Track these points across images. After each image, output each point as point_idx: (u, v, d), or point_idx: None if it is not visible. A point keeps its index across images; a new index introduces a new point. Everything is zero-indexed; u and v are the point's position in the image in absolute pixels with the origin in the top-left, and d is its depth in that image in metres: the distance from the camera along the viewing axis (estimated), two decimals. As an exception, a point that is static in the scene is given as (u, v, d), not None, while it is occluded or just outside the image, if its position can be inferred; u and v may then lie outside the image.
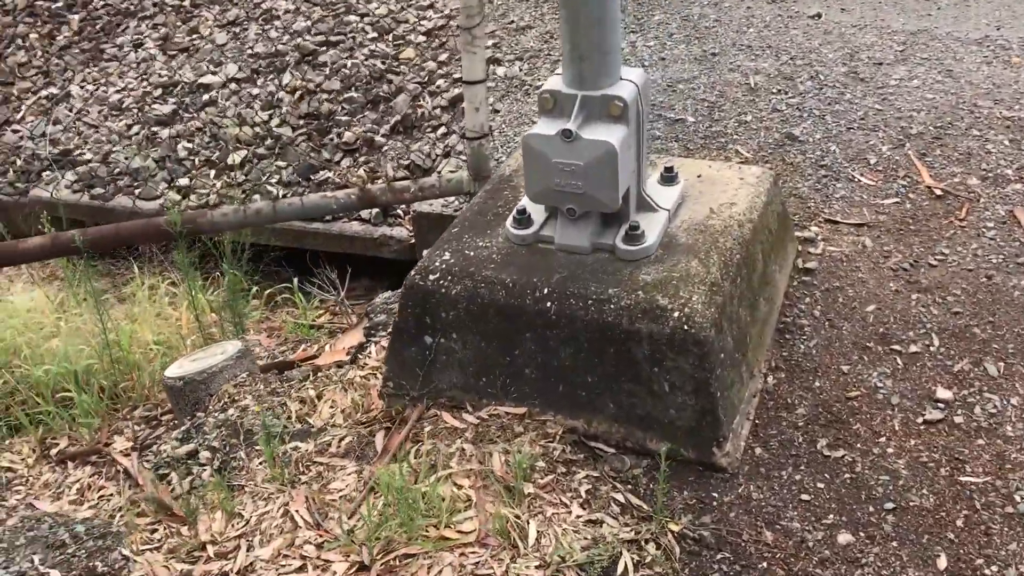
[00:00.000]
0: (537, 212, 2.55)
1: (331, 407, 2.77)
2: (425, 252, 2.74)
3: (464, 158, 3.29)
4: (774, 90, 3.72)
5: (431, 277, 2.48)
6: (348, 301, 4.30)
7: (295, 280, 3.99)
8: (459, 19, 3.05)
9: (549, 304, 2.35)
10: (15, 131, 4.99)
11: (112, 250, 3.87)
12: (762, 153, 3.35)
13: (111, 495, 2.79)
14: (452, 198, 3.45)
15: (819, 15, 4.25)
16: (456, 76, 4.42)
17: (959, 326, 2.57)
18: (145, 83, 4.98)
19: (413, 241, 3.83)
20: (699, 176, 2.74)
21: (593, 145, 2.29)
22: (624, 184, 2.37)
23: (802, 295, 2.75)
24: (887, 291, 2.71)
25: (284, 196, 4.20)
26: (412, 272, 2.52)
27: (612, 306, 2.30)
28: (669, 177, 2.64)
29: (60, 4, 5.96)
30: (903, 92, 3.64)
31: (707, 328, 2.23)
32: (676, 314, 2.24)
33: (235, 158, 4.42)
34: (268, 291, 4.01)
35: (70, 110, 5.02)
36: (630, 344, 2.27)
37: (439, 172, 3.29)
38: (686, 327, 2.22)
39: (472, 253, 2.51)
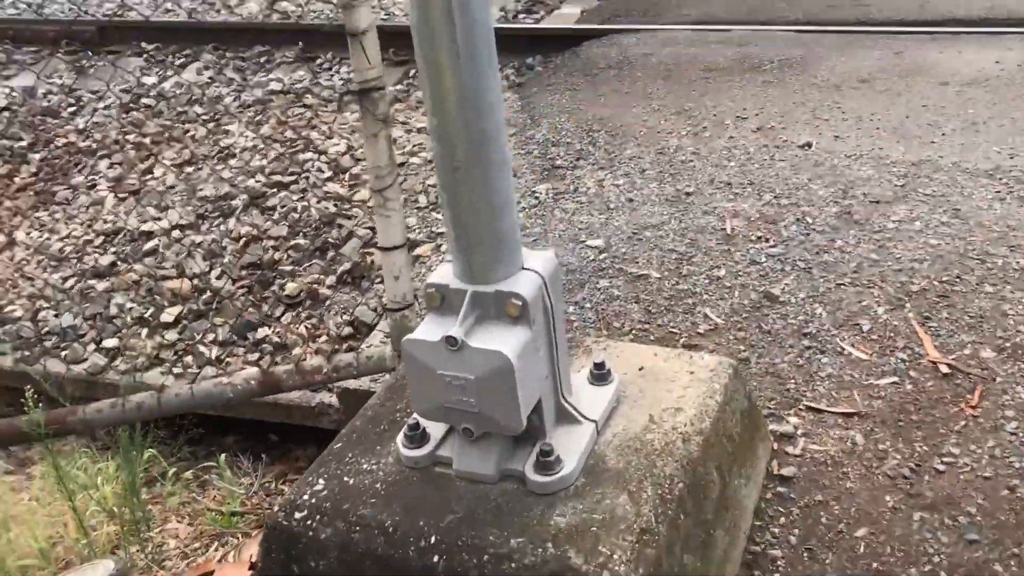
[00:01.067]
0: (435, 426, 2.07)
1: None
2: (296, 482, 2.26)
3: (388, 331, 2.84)
4: (753, 237, 3.25)
5: (296, 516, 1.99)
6: (287, 476, 3.83)
7: (222, 456, 3.53)
8: (369, 181, 2.64)
9: (436, 559, 1.84)
10: (-49, 283, 4.66)
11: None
12: (735, 318, 2.86)
13: None
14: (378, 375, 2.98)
15: (809, 144, 3.80)
16: (412, 215, 4.02)
17: (975, 561, 2.01)
18: (90, 230, 4.64)
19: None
20: (640, 369, 2.25)
21: (484, 356, 1.81)
22: (529, 401, 1.89)
23: (776, 513, 2.22)
24: (882, 508, 2.17)
25: (212, 361, 3.78)
26: (276, 507, 2.04)
27: (513, 564, 1.78)
28: (600, 374, 2.15)
29: (24, 144, 5.73)
30: (903, 237, 3.14)
31: (630, 600, 1.70)
32: (591, 579, 1.72)
33: (169, 315, 4.02)
34: (186, 474, 3.55)
35: (11, 259, 4.69)
36: (534, 616, 1.75)
37: (357, 351, 2.84)
38: (602, 599, 1.70)
39: (352, 480, 2.03)
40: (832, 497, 2.23)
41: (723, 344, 2.77)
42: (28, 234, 4.84)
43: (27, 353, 4.07)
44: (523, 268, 1.93)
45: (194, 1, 7.68)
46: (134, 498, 3.12)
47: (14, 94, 6.25)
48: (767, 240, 3.23)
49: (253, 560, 2.78)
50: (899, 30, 4.87)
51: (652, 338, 2.82)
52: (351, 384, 3.14)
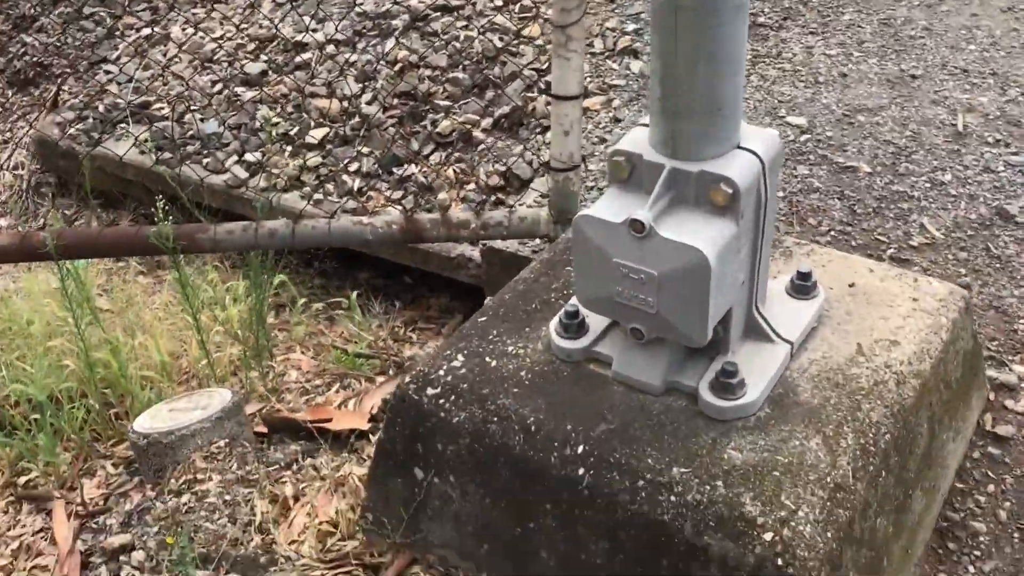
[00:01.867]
0: (597, 317, 1.76)
1: (306, 520, 2.11)
2: (433, 349, 2.01)
3: (545, 191, 2.51)
4: (990, 139, 2.72)
5: (429, 392, 1.74)
6: (416, 324, 3.65)
7: (353, 294, 3.35)
8: (552, 13, 2.24)
9: (581, 472, 1.57)
10: (107, 72, 4.55)
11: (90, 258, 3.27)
12: (958, 234, 2.40)
13: (46, 566, 2.26)
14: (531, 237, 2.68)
15: (1072, 35, 3.15)
16: (585, 62, 3.60)
17: None
18: (244, 35, 4.41)
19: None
20: (851, 286, 1.86)
21: (675, 249, 1.47)
22: (719, 310, 1.55)
23: (984, 478, 1.85)
24: (1122, 497, 1.78)
25: (354, 192, 3.55)
26: (407, 379, 1.79)
27: (673, 498, 1.49)
28: (803, 287, 1.78)
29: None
30: None
31: (815, 570, 1.39)
32: (769, 536, 1.42)
33: (314, 136, 3.79)
34: (317, 304, 3.40)
35: (164, 55, 4.53)
36: (691, 564, 1.47)
37: (510, 210, 2.53)
38: (780, 563, 1.39)
39: (495, 363, 1.76)
40: (1059, 472, 1.84)
41: (939, 264, 2.33)
42: (183, 29, 4.65)
43: (169, 155, 3.94)
44: (738, 147, 1.56)
45: None
46: (260, 324, 2.97)
47: None
48: (1007, 145, 2.69)
49: (374, 412, 2.60)
50: None
51: (854, 244, 2.40)
52: (497, 243, 2.85)
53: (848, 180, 2.62)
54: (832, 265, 1.91)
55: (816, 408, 1.60)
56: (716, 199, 1.51)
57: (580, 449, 1.59)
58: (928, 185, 2.57)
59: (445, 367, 1.77)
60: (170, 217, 2.47)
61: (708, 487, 1.48)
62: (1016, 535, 1.75)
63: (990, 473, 1.86)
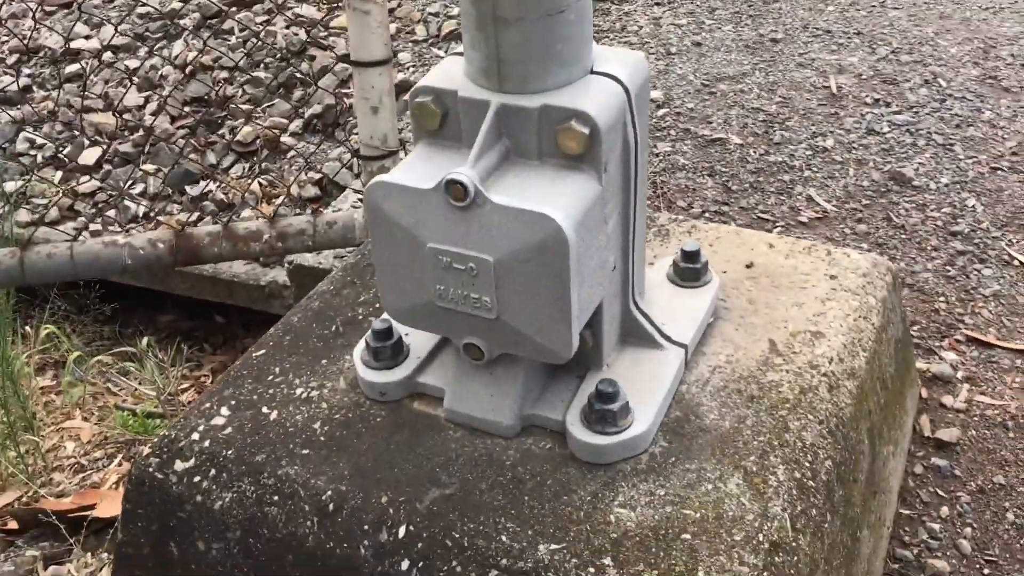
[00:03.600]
0: (420, 336, 1.26)
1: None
2: (185, 411, 1.45)
3: (358, 187, 2.00)
4: (868, 99, 2.39)
5: (179, 467, 1.18)
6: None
7: (144, 341, 2.73)
8: (342, -46, 1.75)
9: (406, 566, 1.05)
10: None
11: None
12: (851, 204, 2.03)
13: None
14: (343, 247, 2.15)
15: (932, -10, 2.89)
16: (407, 51, 3.11)
17: None
18: (3, 48, 3.71)
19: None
20: (750, 267, 1.42)
21: (516, 221, 0.98)
22: (586, 308, 1.07)
23: (934, 499, 1.45)
24: (1103, 505, 1.40)
25: (139, 219, 2.94)
26: (147, 451, 1.23)
27: (541, 592, 1.00)
28: (690, 271, 1.32)
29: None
30: (1077, 113, 2.29)
31: None
32: (686, 637, 0.93)
33: (90, 156, 3.15)
34: (102, 357, 2.76)
35: (-94, 78, 3.77)
36: None
37: (315, 214, 2.00)
38: None
39: (276, 414, 1.22)
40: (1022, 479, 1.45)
41: (836, 240, 1.95)
42: (-69, 48, 3.90)
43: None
44: (593, 72, 1.09)
45: None
46: (12, 387, 2.33)
47: None
48: (888, 104, 2.36)
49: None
50: None
51: (733, 225, 1.99)
52: (307, 259, 2.31)
53: (717, 154, 2.22)
54: (722, 243, 1.47)
55: (729, 434, 1.14)
56: (568, 144, 1.03)
57: (403, 531, 1.07)
58: (809, 153, 2.20)
59: (202, 427, 1.21)
60: None
61: (592, 569, 0.99)
62: (987, 570, 1.34)
63: (940, 492, 1.45)
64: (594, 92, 1.05)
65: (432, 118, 1.09)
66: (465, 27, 1.07)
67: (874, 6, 2.84)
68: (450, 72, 1.10)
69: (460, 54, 1.12)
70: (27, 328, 2.81)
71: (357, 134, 2.03)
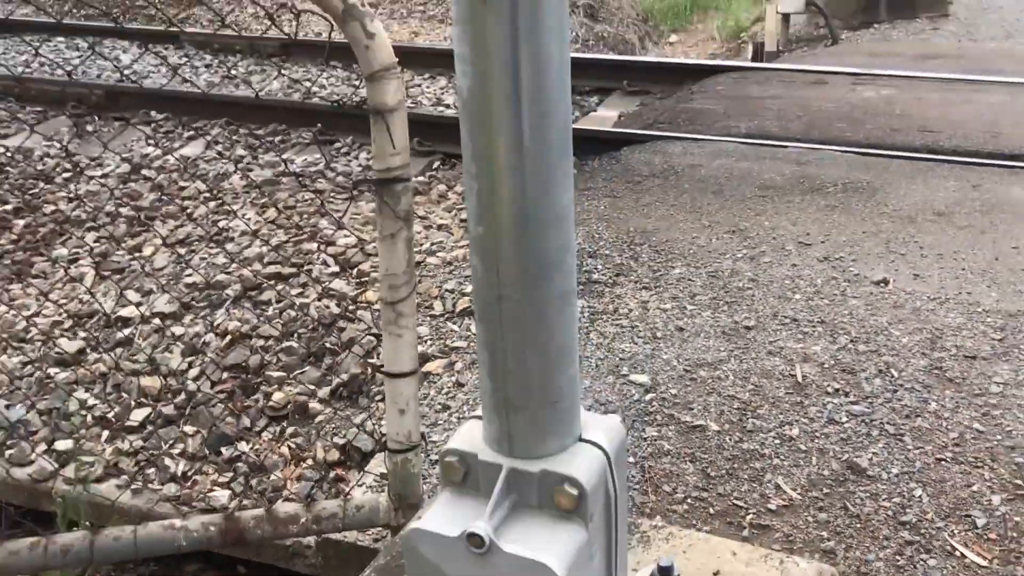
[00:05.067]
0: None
1: None
2: None
3: (385, 471, 2.30)
4: (829, 388, 2.73)
5: None
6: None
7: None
8: (381, 290, 2.14)
9: None
10: (-98, 357, 4.13)
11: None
12: (814, 493, 2.32)
13: None
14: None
15: (885, 281, 3.32)
16: (425, 324, 3.51)
17: None
18: (62, 310, 4.14)
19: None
20: (716, 574, 1.70)
21: (520, 566, 1.28)
22: (576, 632, 1.35)
23: None
24: None
25: (177, 477, 3.22)
26: None
27: None
28: (666, 584, 1.60)
29: (9, 208, 5.29)
30: (1011, 405, 2.63)
31: None
32: None
33: (135, 418, 3.48)
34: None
35: (-30, 335, 4.18)
36: None
37: (345, 499, 2.30)
38: None
39: None
40: None
41: (800, 528, 2.22)
42: (-6, 308, 4.33)
43: (-33, 448, 3.52)
44: (580, 439, 1.42)
45: (214, 74, 7.38)
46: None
47: (8, 154, 5.84)
48: (846, 394, 2.71)
49: None
50: (972, 161, 4.44)
51: (712, 511, 2.27)
52: (334, 533, 2.58)
53: (698, 440, 2.54)
54: (694, 550, 1.75)
55: None
56: (562, 503, 1.34)
57: None
58: (777, 441, 2.52)
59: None
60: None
61: None
62: None
63: None
64: (581, 459, 1.38)
65: (457, 473, 1.41)
66: (483, 405, 1.41)
67: (835, 295, 3.25)
68: (471, 437, 1.43)
69: (478, 417, 1.45)
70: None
71: (384, 421, 2.35)
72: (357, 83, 6.86)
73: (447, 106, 6.47)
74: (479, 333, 1.38)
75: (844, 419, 2.59)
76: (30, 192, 5.40)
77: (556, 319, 1.34)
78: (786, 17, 8.41)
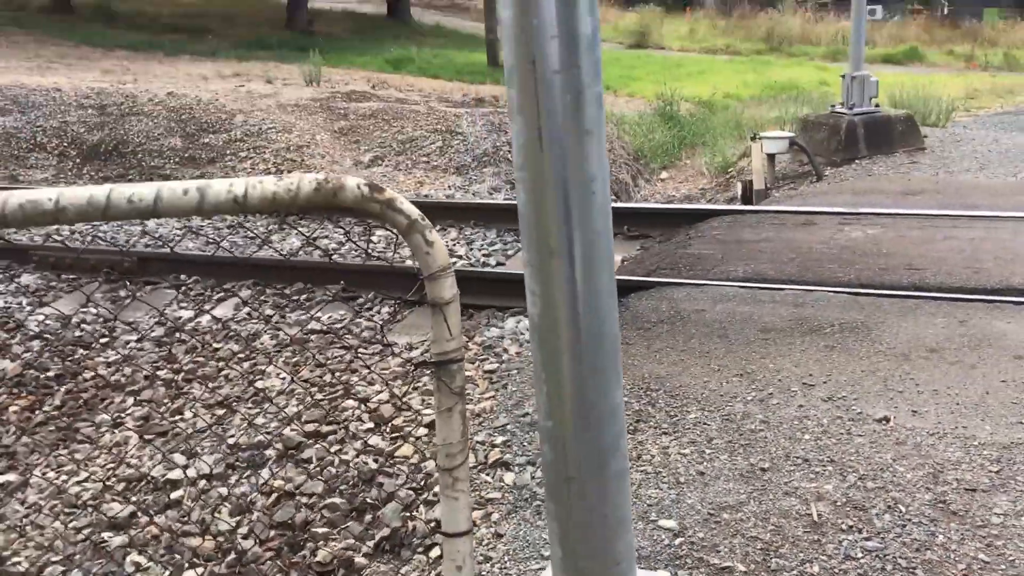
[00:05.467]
0: None
1: None
2: None
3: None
4: (844, 525, 2.96)
5: None
6: None
7: None
8: (438, 458, 2.41)
9: None
10: (-44, 527, 4.33)
11: None
12: (839, 628, 2.52)
13: None
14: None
15: (886, 419, 3.59)
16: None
17: None
18: (112, 474, 4.37)
19: None
20: None
21: None
22: None
23: None
24: None
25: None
26: None
27: None
28: None
29: (51, 373, 5.57)
30: (1012, 535, 2.85)
31: None
32: None
33: (188, 578, 3.67)
34: None
35: (22, 503, 4.39)
36: None
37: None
38: None
39: None
40: None
41: (829, 662, 2.42)
42: (44, 475, 4.56)
43: (27, 615, 3.69)
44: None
45: (237, 234, 7.80)
46: None
47: (47, 322, 6.18)
48: (859, 531, 2.93)
49: None
50: (958, 297, 4.77)
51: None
52: None
53: (727, 583, 2.75)
54: None
55: None
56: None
57: None
58: (801, 579, 2.73)
59: None
60: None
61: None
62: None
63: None
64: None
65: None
66: (554, 570, 1.66)
67: (841, 434, 3.51)
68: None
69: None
70: None
71: (442, 572, 2.56)
72: (370, 237, 7.28)
73: (460, 257, 6.86)
74: (548, 508, 1.64)
75: (859, 555, 2.82)
76: (69, 359, 5.70)
77: (616, 494, 1.61)
78: (771, 156, 8.95)
